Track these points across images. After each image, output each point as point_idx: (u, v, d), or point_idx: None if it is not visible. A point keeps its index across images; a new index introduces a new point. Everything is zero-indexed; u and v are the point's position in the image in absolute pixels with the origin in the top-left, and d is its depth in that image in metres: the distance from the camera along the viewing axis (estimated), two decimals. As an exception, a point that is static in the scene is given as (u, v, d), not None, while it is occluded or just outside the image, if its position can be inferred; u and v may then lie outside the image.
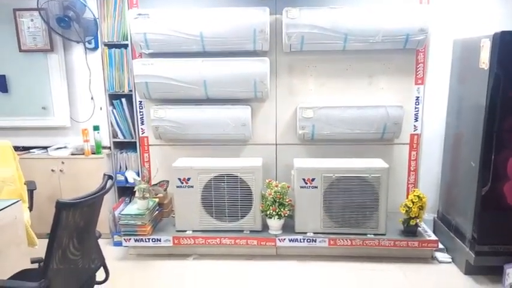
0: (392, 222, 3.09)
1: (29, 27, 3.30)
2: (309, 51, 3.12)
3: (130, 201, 3.49)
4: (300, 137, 3.26)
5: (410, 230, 3.03)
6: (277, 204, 3.00)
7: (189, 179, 3.07)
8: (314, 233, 3.05)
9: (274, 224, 3.06)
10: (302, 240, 3.02)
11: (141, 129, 3.45)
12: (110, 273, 2.03)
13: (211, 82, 3.11)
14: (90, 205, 1.74)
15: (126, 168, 3.55)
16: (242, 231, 3.11)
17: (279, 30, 3.14)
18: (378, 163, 3.05)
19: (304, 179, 2.99)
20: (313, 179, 2.98)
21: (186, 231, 3.14)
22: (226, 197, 3.07)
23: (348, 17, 2.98)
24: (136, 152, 3.52)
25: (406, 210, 2.97)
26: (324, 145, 3.34)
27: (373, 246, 3.00)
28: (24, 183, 2.88)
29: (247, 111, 3.20)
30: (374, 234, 3.01)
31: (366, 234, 3.02)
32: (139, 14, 3.02)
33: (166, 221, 3.38)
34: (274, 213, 2.99)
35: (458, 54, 3.00)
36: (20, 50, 3.35)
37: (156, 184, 3.30)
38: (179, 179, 3.08)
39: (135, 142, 3.49)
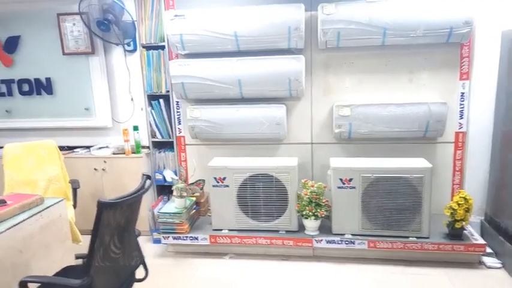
0: (436, 224, 2.94)
1: (71, 31, 3.44)
2: (345, 47, 3.04)
3: (168, 200, 3.56)
4: (336, 135, 3.18)
5: (455, 233, 2.88)
6: (313, 204, 2.95)
7: (224, 178, 3.08)
8: (352, 234, 2.97)
9: (311, 224, 3.01)
10: (340, 242, 2.95)
11: (178, 129, 3.50)
12: (149, 271, 2.07)
13: (246, 81, 3.10)
14: (130, 204, 1.78)
15: (164, 167, 3.62)
16: (278, 231, 3.09)
17: (314, 27, 3.08)
18: (420, 163, 2.92)
19: (341, 179, 2.92)
20: (350, 179, 2.90)
21: (222, 230, 3.16)
22: (262, 197, 3.06)
23: (387, 11, 2.86)
24: (173, 151, 3.58)
25: (451, 213, 2.82)
26: (361, 144, 3.24)
27: (416, 250, 2.87)
28: (69, 182, 3.01)
29: (282, 110, 3.17)
30: (416, 237, 2.89)
31: (407, 237, 2.90)
32: (176, 15, 3.06)
33: (202, 219, 3.42)
34: (310, 213, 2.94)
35: (508, 46, 2.81)
36: (64, 53, 3.50)
37: (193, 183, 3.33)
38: (215, 178, 3.10)
39: (173, 142, 3.55)
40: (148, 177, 1.94)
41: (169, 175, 3.45)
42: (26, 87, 3.65)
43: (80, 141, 3.72)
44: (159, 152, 3.63)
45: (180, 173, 3.36)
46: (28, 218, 1.99)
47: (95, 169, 3.50)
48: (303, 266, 2.97)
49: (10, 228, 1.88)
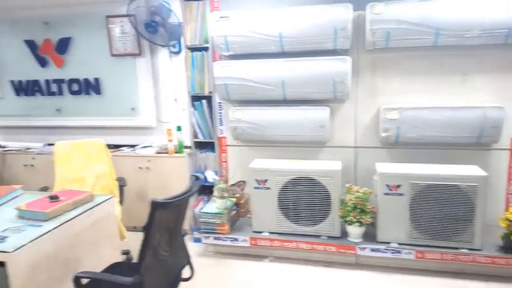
0: (489, 236, 2.77)
1: (120, 33, 3.53)
2: (394, 48, 2.93)
3: (208, 200, 3.58)
4: (382, 140, 3.07)
5: (511, 246, 2.70)
6: (358, 210, 2.86)
7: (266, 181, 3.05)
8: (399, 243, 2.86)
9: (355, 231, 2.92)
10: (385, 251, 2.85)
11: (220, 129, 3.52)
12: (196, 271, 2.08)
13: (290, 83, 3.06)
14: (179, 205, 1.79)
15: (205, 168, 3.65)
16: (319, 236, 3.02)
17: (361, 27, 2.99)
18: (474, 170, 2.76)
19: (388, 186, 2.81)
20: (398, 186, 2.79)
21: (262, 232, 3.13)
22: (304, 201, 3.00)
23: (440, 10, 2.73)
24: (214, 152, 3.59)
25: (508, 224, 2.65)
26: (409, 149, 3.11)
27: (467, 262, 2.72)
28: (116, 180, 3.08)
29: (325, 112, 3.10)
30: (468, 249, 2.73)
31: (458, 249, 2.75)
32: (221, 17, 3.07)
33: (242, 221, 3.41)
34: (354, 220, 2.85)
35: None
36: (112, 55, 3.60)
37: (233, 184, 3.34)
38: (256, 180, 3.08)
39: (214, 142, 3.57)
40: (197, 178, 1.94)
41: (210, 175, 3.47)
42: (75, 87, 3.79)
43: (126, 140, 3.82)
44: (201, 153, 3.66)
45: (221, 173, 3.37)
46: (79, 215, 2.05)
47: (139, 167, 3.58)
48: (345, 274, 2.89)
49: (63, 224, 1.94)
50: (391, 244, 2.86)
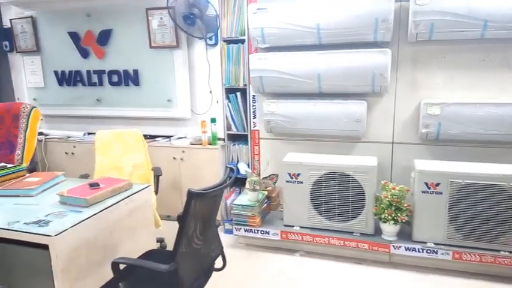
0: (535, 240, 2.63)
1: (159, 25, 3.59)
2: (438, 40, 2.81)
3: (240, 192, 3.60)
4: (422, 136, 2.97)
5: (559, 252, 2.55)
6: (393, 208, 2.78)
7: (298, 175, 3.03)
8: (435, 243, 2.76)
9: (389, 229, 2.85)
10: (421, 250, 2.76)
11: (253, 122, 3.52)
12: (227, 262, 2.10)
13: (326, 76, 3.00)
14: (214, 196, 1.81)
15: (238, 160, 3.67)
16: (352, 233, 2.97)
17: (403, 18, 2.89)
18: (520, 170, 2.62)
19: (426, 183, 2.71)
20: (437, 184, 2.69)
21: (293, 226, 3.12)
22: (337, 196, 2.96)
23: (489, 1, 2.58)
24: (247, 144, 3.60)
25: (556, 229, 2.50)
26: (450, 146, 2.98)
27: (508, 266, 2.59)
28: (152, 169, 3.16)
29: (362, 107, 3.03)
30: (509, 252, 2.60)
31: (498, 251, 2.62)
32: (258, 9, 3.05)
33: (273, 214, 3.41)
34: (389, 217, 2.78)
35: None
36: (151, 47, 3.68)
37: (266, 177, 3.33)
38: (289, 174, 3.06)
39: (247, 135, 3.58)
40: (232, 170, 1.95)
41: (243, 168, 3.48)
42: (115, 78, 3.91)
43: (161, 130, 3.90)
44: (234, 145, 3.68)
45: (254, 166, 3.37)
46: (118, 202, 2.11)
47: (174, 158, 3.65)
48: (377, 272, 2.83)
49: (103, 210, 2.00)
50: (427, 244, 2.77)
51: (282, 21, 3.01)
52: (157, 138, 3.85)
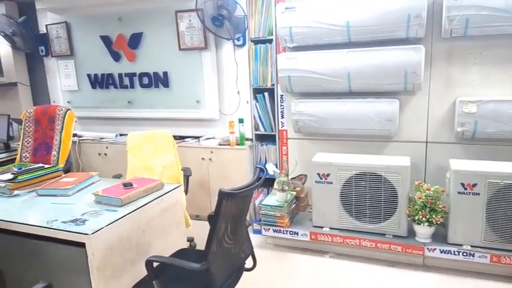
0: None
1: (188, 27, 3.64)
2: (473, 36, 2.70)
3: (268, 193, 3.59)
4: (457, 135, 2.86)
5: None
6: (428, 209, 2.70)
7: (328, 175, 2.99)
8: (472, 246, 2.66)
9: (423, 231, 2.76)
10: (457, 253, 2.66)
11: (281, 122, 3.50)
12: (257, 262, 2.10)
13: (356, 74, 2.95)
14: (245, 196, 1.81)
15: (266, 160, 3.66)
16: (384, 234, 2.90)
17: (436, 14, 2.80)
18: None
19: (463, 184, 2.61)
20: (474, 185, 2.58)
21: (323, 227, 3.08)
22: (368, 197, 2.90)
23: (530, -7, 2.47)
24: (275, 144, 3.59)
25: None
26: (487, 145, 2.86)
27: (553, 271, 2.47)
28: (181, 169, 3.20)
29: (394, 105, 2.95)
30: (554, 257, 2.48)
31: (542, 255, 2.50)
32: (287, 8, 3.04)
33: (302, 215, 3.38)
34: (424, 219, 2.70)
35: None
36: (180, 49, 3.72)
37: (294, 177, 3.31)
38: (318, 174, 3.03)
39: (275, 135, 3.57)
40: (262, 170, 1.94)
41: (271, 168, 3.47)
42: (145, 80, 3.99)
43: (190, 131, 3.94)
44: (261, 145, 3.67)
45: (282, 166, 3.36)
46: (151, 202, 2.15)
47: (202, 158, 3.68)
48: (410, 275, 2.75)
49: (136, 209, 2.04)
50: (463, 246, 2.67)
51: (310, 20, 2.98)
52: (186, 139, 3.90)
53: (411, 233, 2.86)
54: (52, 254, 1.93)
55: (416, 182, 2.84)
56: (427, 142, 3.06)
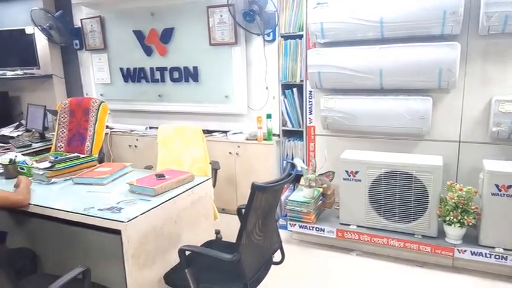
0: None
1: (219, 22, 3.67)
2: (512, 33, 2.62)
3: (294, 189, 3.59)
4: (492, 135, 2.78)
5: None
6: (459, 210, 2.64)
7: (357, 173, 2.97)
8: (505, 249, 2.58)
9: (454, 232, 2.70)
10: (489, 256, 2.60)
11: (309, 118, 3.49)
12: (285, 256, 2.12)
13: (388, 71, 2.90)
14: (276, 190, 1.82)
15: (293, 156, 3.66)
16: (413, 234, 2.86)
17: (473, 10, 2.72)
18: None
19: (497, 185, 2.54)
20: (509, 186, 2.51)
21: (350, 225, 3.06)
22: (397, 196, 2.86)
23: None
24: (302, 140, 3.58)
25: None
26: (524, 146, 2.78)
27: None
28: (210, 163, 3.24)
29: (427, 103, 2.89)
30: None
31: None
32: (318, 3, 3.02)
33: (328, 211, 3.37)
34: (455, 220, 2.64)
35: None
36: (210, 44, 3.76)
37: (322, 174, 3.30)
38: (346, 172, 3.01)
39: (302, 131, 3.56)
40: (293, 165, 1.95)
41: (299, 164, 3.47)
42: (176, 75, 4.05)
43: (218, 125, 3.98)
44: (289, 141, 3.68)
45: (310, 162, 3.35)
46: (182, 193, 2.20)
47: (229, 153, 3.72)
48: (439, 276, 2.71)
49: (168, 200, 2.09)
50: (495, 249, 2.60)
51: (342, 16, 2.95)
52: (213, 133, 3.94)
53: (441, 234, 2.80)
54: (88, 240, 2.00)
55: (448, 182, 2.78)
56: (459, 142, 2.98)
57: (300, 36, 3.37)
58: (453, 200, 2.65)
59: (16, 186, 2.15)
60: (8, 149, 3.62)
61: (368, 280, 2.71)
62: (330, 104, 3.20)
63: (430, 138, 3.06)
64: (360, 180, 2.96)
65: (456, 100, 2.93)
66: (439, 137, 3.03)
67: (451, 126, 2.99)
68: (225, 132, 3.91)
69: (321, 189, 3.36)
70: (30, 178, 2.38)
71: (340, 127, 3.26)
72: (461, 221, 2.63)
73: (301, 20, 3.34)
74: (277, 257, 2.15)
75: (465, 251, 2.67)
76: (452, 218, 2.65)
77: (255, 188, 1.62)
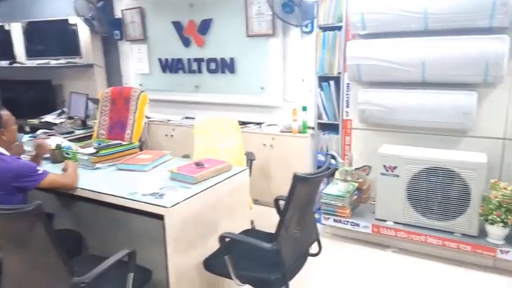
0: None
1: (257, 14, 3.67)
2: None
3: (328, 182, 3.56)
4: (541, 132, 2.65)
5: None
6: (503, 210, 2.55)
7: (395, 168, 2.91)
8: (552, 252, 2.48)
9: (496, 231, 2.61)
10: (534, 258, 2.50)
11: (346, 112, 3.44)
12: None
13: (432, 64, 2.82)
14: (316, 182, 1.82)
15: (327, 150, 3.63)
16: (453, 233, 2.78)
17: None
18: None
19: (545, 185, 2.43)
20: (560, 187, 2.39)
21: (386, 221, 3.01)
22: (437, 193, 2.78)
23: None
24: (337, 134, 3.54)
25: None
26: None
27: None
28: (245, 154, 3.27)
29: (472, 98, 2.79)
30: None
31: None
32: (360, -6, 2.96)
33: (363, 207, 3.32)
34: (498, 219, 2.55)
35: None
36: (247, 35, 3.78)
37: (358, 168, 3.26)
38: (384, 166, 2.95)
39: (338, 124, 3.52)
40: (334, 157, 1.94)
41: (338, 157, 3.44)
42: (212, 66, 4.10)
43: (252, 117, 4.00)
44: (323, 134, 3.65)
45: (346, 156, 3.31)
46: (220, 182, 2.23)
47: (263, 144, 3.73)
48: (479, 277, 2.63)
49: (208, 188, 2.13)
50: (542, 252, 2.50)
51: (385, 6, 2.88)
52: (248, 125, 3.96)
53: (482, 233, 2.71)
54: (131, 224, 2.08)
55: (492, 180, 2.68)
56: (504, 139, 2.86)
57: (339, 28, 3.32)
58: (497, 199, 2.56)
59: (64, 170, 2.26)
60: (52, 135, 3.79)
61: (404, 277, 2.67)
62: (369, 97, 3.14)
63: (473, 135, 2.95)
64: (398, 176, 2.90)
65: (503, 95, 2.81)
66: (482, 133, 2.92)
67: (496, 123, 2.86)
68: (259, 123, 3.92)
69: (356, 184, 3.31)
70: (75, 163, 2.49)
71: (378, 121, 3.20)
72: (505, 220, 2.53)
73: (340, 10, 3.28)
74: (313, 249, 2.14)
75: (508, 251, 2.57)
76: (495, 217, 2.56)
77: (297, 179, 1.62)
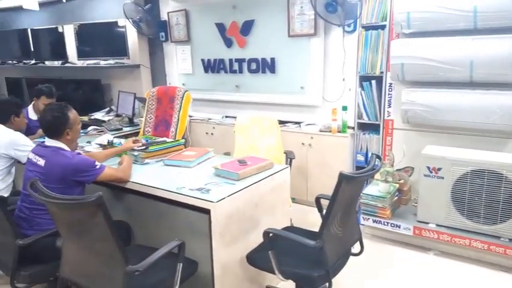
0: None
1: (299, 14, 3.69)
2: None
3: (367, 182, 3.53)
4: None
5: None
6: (556, 215, 2.44)
7: (439, 169, 2.85)
8: None
9: (549, 238, 2.50)
10: None
11: (387, 112, 3.40)
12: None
13: (480, 63, 2.73)
14: (360, 181, 1.83)
15: (367, 150, 3.60)
16: (499, 237, 2.69)
17: None
18: None
19: None
20: None
21: (428, 223, 2.95)
22: (484, 196, 2.70)
23: None
24: (378, 134, 3.51)
25: None
26: None
27: None
28: (284, 152, 3.32)
29: (522, 99, 2.69)
30: None
31: None
32: (406, -8, 2.92)
33: (404, 208, 3.27)
34: (551, 225, 2.44)
35: None
36: (289, 35, 3.81)
37: (400, 169, 3.21)
38: (428, 168, 2.89)
39: (379, 124, 3.48)
40: (378, 157, 1.94)
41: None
42: (253, 66, 4.16)
43: (292, 116, 4.03)
44: (363, 134, 3.62)
45: (388, 157, 3.28)
46: (263, 179, 2.29)
47: (302, 143, 3.75)
48: (528, 284, 2.53)
49: (251, 185, 2.20)
50: None
51: (432, 5, 2.83)
52: (287, 124, 3.99)
53: (532, 239, 2.61)
54: (178, 217, 2.18)
55: (544, 185, 2.57)
56: (559, 141, 2.74)
57: (383, 27, 3.28)
58: (550, 204, 2.45)
59: (120, 163, 2.40)
60: (102, 131, 4.01)
61: (446, 281, 2.62)
62: (412, 96, 3.09)
63: (523, 137, 2.84)
64: (442, 178, 2.84)
65: (558, 96, 2.68)
66: (534, 135, 2.80)
67: (549, 125, 2.74)
68: (299, 123, 3.94)
69: (397, 185, 3.27)
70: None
71: (422, 121, 3.14)
72: (559, 227, 2.42)
73: (385, 9, 3.24)
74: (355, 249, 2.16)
75: (560, 260, 2.46)
76: (547, 223, 2.45)
77: (342, 177, 1.65)
